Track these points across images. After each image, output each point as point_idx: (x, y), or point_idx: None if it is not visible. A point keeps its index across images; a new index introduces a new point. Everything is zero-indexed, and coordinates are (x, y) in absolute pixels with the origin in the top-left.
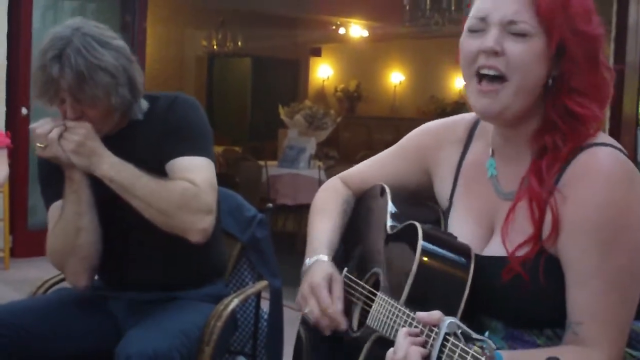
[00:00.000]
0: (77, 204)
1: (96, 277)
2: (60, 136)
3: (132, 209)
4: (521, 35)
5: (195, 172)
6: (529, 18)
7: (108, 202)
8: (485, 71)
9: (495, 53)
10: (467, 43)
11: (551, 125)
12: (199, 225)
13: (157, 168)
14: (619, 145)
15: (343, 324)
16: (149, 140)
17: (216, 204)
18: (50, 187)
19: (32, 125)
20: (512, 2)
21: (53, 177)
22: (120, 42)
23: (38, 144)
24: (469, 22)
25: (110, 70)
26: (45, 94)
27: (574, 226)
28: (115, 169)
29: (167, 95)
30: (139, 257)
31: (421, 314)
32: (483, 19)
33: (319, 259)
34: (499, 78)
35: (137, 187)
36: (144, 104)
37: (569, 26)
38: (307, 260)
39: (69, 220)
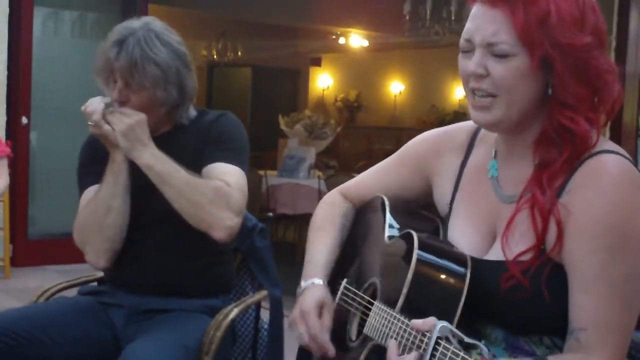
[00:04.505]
0: (113, 185)
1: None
2: (114, 115)
3: (158, 207)
4: (502, 55)
5: (230, 175)
6: (507, 38)
7: (137, 195)
8: (476, 92)
9: (480, 76)
10: (461, 64)
11: (548, 138)
12: (226, 222)
13: (194, 173)
14: (623, 152)
15: (331, 352)
16: (190, 146)
17: (244, 211)
18: (88, 174)
19: (83, 106)
20: (491, 23)
21: (93, 165)
22: (182, 48)
23: (89, 122)
24: (460, 42)
25: (162, 65)
26: (102, 73)
27: (580, 231)
28: (156, 159)
29: (216, 111)
30: (152, 256)
31: (416, 322)
32: (469, 40)
33: (314, 282)
34: (489, 94)
35: (173, 176)
36: (192, 113)
37: (549, 41)
38: (303, 283)
39: (103, 199)
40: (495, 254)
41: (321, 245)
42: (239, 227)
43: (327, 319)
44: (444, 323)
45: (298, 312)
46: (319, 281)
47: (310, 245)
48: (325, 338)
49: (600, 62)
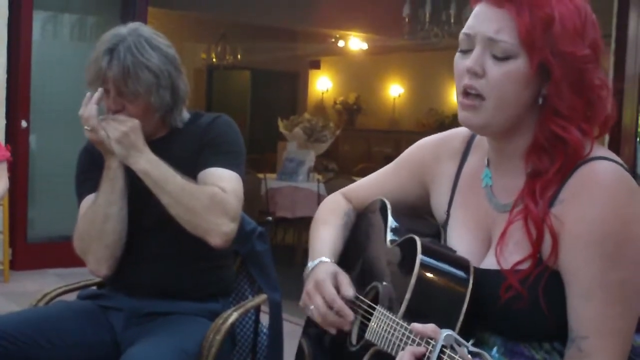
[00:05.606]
0: (110, 192)
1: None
2: (108, 123)
3: (157, 210)
4: (502, 57)
5: (226, 181)
6: (510, 38)
7: (135, 198)
8: (467, 90)
9: (475, 74)
10: (457, 62)
11: (540, 146)
12: (222, 228)
13: (190, 176)
14: (617, 158)
15: (350, 316)
16: (186, 150)
17: (240, 215)
18: (86, 182)
19: (80, 111)
20: (495, 20)
21: (90, 172)
22: (171, 51)
23: (85, 127)
24: (459, 38)
25: (154, 70)
26: (94, 83)
27: (576, 240)
28: (151, 165)
29: (210, 114)
30: (152, 259)
31: (416, 326)
32: (469, 35)
33: (321, 260)
34: (479, 96)
35: (169, 183)
36: (186, 116)
37: (550, 47)
38: (310, 264)
39: (100, 207)
40: (490, 263)
41: (326, 234)
42: (235, 232)
43: (347, 284)
44: (449, 331)
45: (312, 284)
46: (327, 259)
47: (314, 235)
48: (342, 303)
49: (595, 76)
